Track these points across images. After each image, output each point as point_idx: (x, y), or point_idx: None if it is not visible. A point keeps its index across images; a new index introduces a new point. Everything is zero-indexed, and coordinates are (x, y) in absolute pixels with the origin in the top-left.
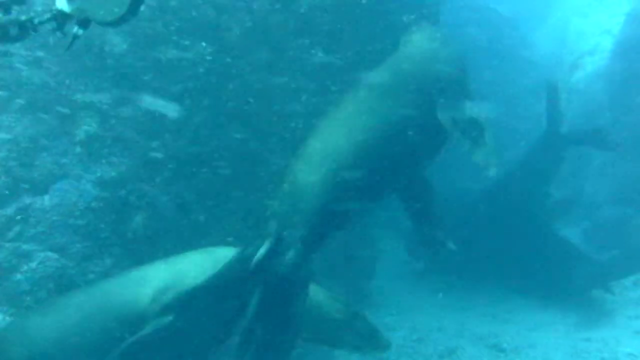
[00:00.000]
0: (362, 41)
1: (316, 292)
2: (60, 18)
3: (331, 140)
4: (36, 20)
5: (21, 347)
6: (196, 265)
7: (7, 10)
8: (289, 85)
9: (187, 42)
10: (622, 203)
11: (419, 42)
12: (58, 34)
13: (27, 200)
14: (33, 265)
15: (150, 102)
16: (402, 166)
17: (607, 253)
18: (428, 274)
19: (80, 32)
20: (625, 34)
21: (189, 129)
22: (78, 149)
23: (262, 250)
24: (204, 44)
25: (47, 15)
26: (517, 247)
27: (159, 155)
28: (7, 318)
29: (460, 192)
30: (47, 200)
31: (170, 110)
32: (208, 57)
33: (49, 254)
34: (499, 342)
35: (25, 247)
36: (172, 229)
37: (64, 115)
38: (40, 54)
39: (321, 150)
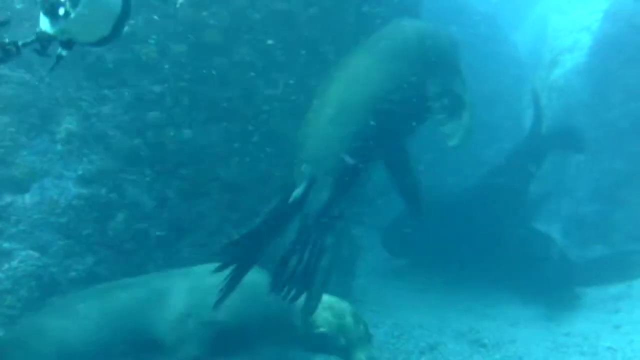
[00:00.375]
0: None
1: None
2: (44, 39)
3: (349, 94)
4: (20, 43)
5: (28, 347)
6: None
7: None
8: (269, 81)
9: (167, 40)
10: (602, 199)
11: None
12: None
13: (8, 198)
14: (14, 263)
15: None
16: (404, 121)
17: (589, 250)
18: (409, 271)
19: (64, 53)
20: (603, 31)
21: (170, 127)
22: (59, 147)
23: (299, 190)
24: (184, 42)
25: (31, 37)
26: (497, 243)
27: (140, 153)
28: None
29: (444, 191)
30: (28, 198)
31: None
32: (189, 55)
33: (30, 252)
34: (480, 338)
35: (6, 245)
36: (155, 227)
37: (44, 113)
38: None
39: (341, 103)
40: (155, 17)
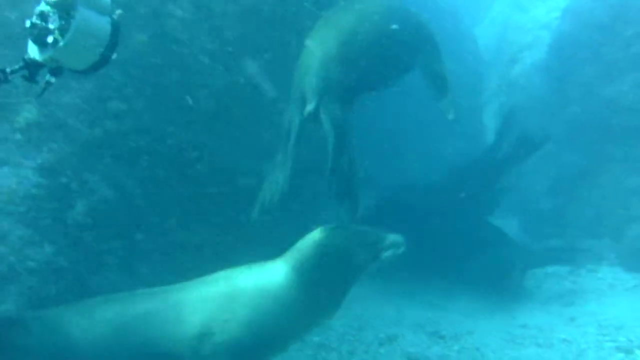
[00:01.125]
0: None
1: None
2: (32, 67)
3: (337, 31)
4: (8, 69)
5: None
6: (249, 298)
7: None
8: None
9: (129, 29)
10: (558, 194)
11: None
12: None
13: None
14: None
15: None
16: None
17: (543, 243)
18: None
19: (53, 80)
20: (562, 29)
21: (131, 117)
22: (18, 136)
23: (309, 107)
24: (145, 32)
25: (19, 64)
26: (455, 237)
27: (100, 142)
28: None
29: (405, 188)
30: None
31: None
32: (150, 45)
33: None
34: (438, 329)
35: None
36: (115, 217)
37: (3, 102)
38: None
39: (333, 36)
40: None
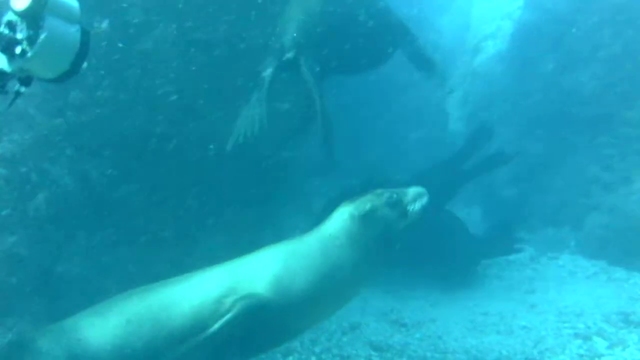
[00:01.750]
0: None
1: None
2: (1, 77)
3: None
4: None
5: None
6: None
7: None
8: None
9: (91, 20)
10: (520, 183)
11: None
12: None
13: None
14: None
15: None
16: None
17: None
18: None
19: (23, 89)
20: (524, 20)
21: (92, 107)
22: None
23: (288, 55)
24: (107, 21)
25: None
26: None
27: (61, 132)
28: None
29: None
30: None
31: None
32: (112, 34)
33: None
34: (400, 317)
35: None
36: (78, 208)
37: None
38: None
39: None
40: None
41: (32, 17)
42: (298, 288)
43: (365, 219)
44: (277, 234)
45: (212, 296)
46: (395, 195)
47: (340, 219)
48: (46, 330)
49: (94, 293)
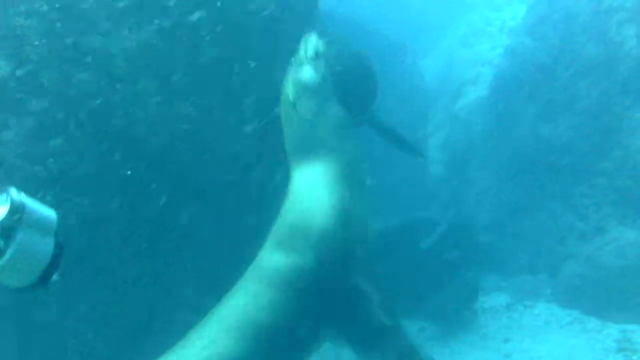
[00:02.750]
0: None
1: None
2: None
3: None
4: None
5: None
6: None
7: None
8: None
9: (72, 68)
10: (497, 230)
11: None
12: None
13: None
14: None
15: None
16: None
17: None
18: None
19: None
20: (504, 67)
21: (72, 155)
22: None
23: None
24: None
25: None
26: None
27: (41, 180)
28: None
29: None
30: None
31: None
32: (94, 83)
33: None
34: None
35: None
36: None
37: None
38: None
39: None
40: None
41: (5, 228)
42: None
43: (299, 95)
44: None
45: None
46: (294, 58)
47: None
48: None
49: (69, 340)
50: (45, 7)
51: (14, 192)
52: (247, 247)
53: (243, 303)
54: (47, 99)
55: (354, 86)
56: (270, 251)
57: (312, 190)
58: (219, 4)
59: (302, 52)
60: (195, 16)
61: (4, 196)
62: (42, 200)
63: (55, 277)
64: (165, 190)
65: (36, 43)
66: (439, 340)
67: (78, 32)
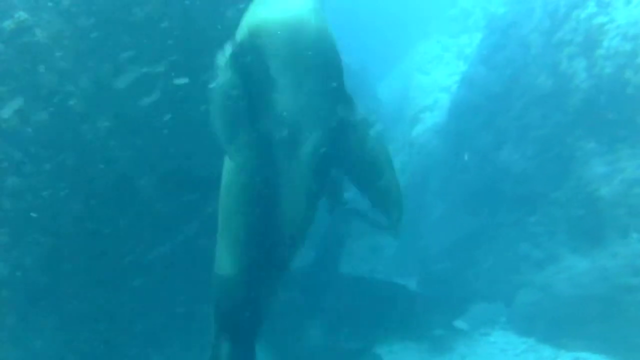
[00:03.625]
0: None
1: None
2: None
3: None
4: None
5: None
6: None
7: None
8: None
9: (30, 107)
10: (454, 257)
11: None
12: None
13: None
14: None
15: None
16: None
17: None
18: None
19: None
20: (460, 95)
21: (28, 193)
22: None
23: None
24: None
25: None
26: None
27: None
28: None
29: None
30: None
31: None
32: (51, 122)
33: None
34: None
35: None
36: (10, 293)
37: None
38: None
39: None
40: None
41: None
42: None
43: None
44: None
45: None
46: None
47: None
48: None
49: None
50: None
51: None
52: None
53: None
54: (4, 138)
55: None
56: None
57: None
58: None
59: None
60: None
61: None
62: None
63: None
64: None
65: None
66: None
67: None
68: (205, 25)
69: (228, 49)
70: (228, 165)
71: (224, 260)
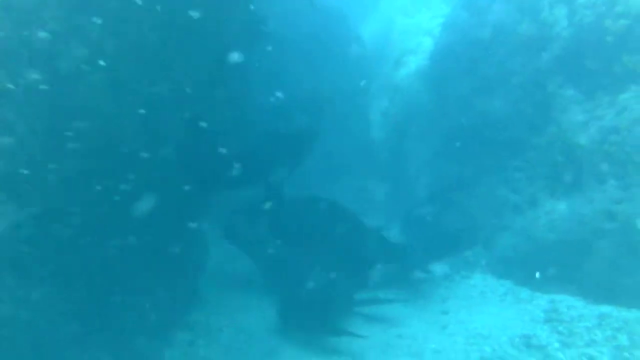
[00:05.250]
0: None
1: None
2: None
3: None
4: None
5: None
6: None
7: None
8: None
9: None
10: (436, 201)
11: None
12: None
13: None
14: None
15: None
16: None
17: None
18: (252, 271)
19: None
20: (442, 39)
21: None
22: None
23: None
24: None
25: None
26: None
27: None
28: None
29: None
30: None
31: None
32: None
33: None
34: (319, 341)
35: None
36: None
37: None
38: None
39: None
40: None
41: None
42: None
43: None
44: None
45: None
46: None
47: None
48: None
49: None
50: None
51: None
52: None
53: None
54: None
55: None
56: None
57: None
58: None
59: None
60: None
61: None
62: None
63: None
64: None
65: None
66: (379, 313)
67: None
68: None
69: None
70: None
71: None
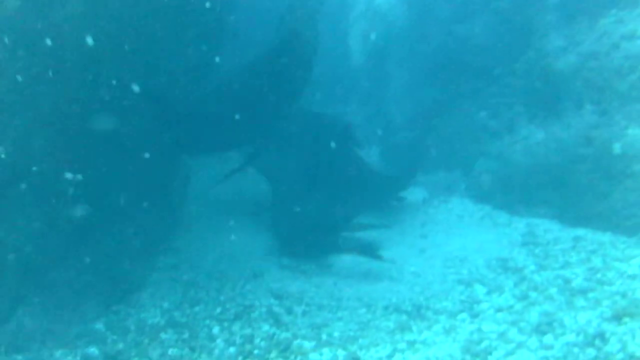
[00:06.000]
0: None
1: None
2: None
3: None
4: None
5: None
6: None
7: None
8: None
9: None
10: (415, 126)
11: None
12: None
13: None
14: None
15: None
16: None
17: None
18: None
19: None
20: None
21: None
22: None
23: None
24: None
25: None
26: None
27: None
28: None
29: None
30: None
31: None
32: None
33: None
34: (300, 265)
35: None
36: None
37: None
38: None
39: None
40: None
41: None
42: None
43: None
44: None
45: None
46: None
47: None
48: None
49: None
50: None
51: None
52: None
53: None
54: None
55: None
56: None
57: None
58: None
59: None
60: None
61: None
62: None
63: None
64: None
65: None
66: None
67: None
68: None
69: None
70: None
71: None
